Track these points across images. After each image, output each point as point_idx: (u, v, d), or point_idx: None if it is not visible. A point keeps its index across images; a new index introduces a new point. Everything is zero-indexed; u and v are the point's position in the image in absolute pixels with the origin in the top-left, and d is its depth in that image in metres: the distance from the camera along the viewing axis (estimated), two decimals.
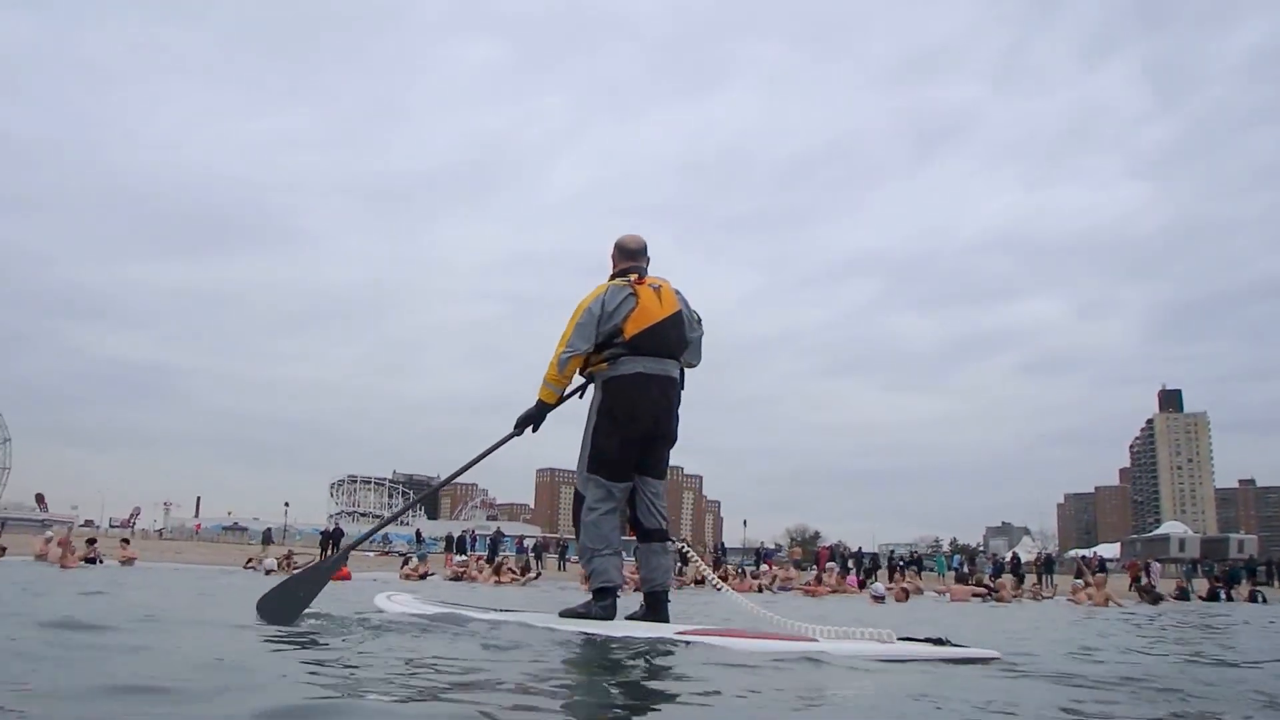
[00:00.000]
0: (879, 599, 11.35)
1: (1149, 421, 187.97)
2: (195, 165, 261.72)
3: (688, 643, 3.19)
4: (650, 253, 4.25)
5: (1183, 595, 19.67)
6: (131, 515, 62.87)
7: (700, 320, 4.23)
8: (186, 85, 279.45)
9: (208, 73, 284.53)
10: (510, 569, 18.02)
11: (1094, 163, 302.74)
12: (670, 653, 2.97)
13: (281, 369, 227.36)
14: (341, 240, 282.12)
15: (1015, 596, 16.50)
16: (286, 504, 51.74)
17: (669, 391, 3.97)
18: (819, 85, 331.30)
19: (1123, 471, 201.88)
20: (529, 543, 33.22)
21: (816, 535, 75.18)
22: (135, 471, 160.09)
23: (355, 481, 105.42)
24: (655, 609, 3.95)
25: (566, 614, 3.82)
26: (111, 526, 56.07)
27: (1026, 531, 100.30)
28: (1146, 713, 2.12)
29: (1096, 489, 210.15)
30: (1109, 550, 68.01)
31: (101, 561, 15.56)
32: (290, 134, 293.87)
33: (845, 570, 24.03)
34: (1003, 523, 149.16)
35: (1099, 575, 17.88)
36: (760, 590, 15.50)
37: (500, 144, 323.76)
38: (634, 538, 4.15)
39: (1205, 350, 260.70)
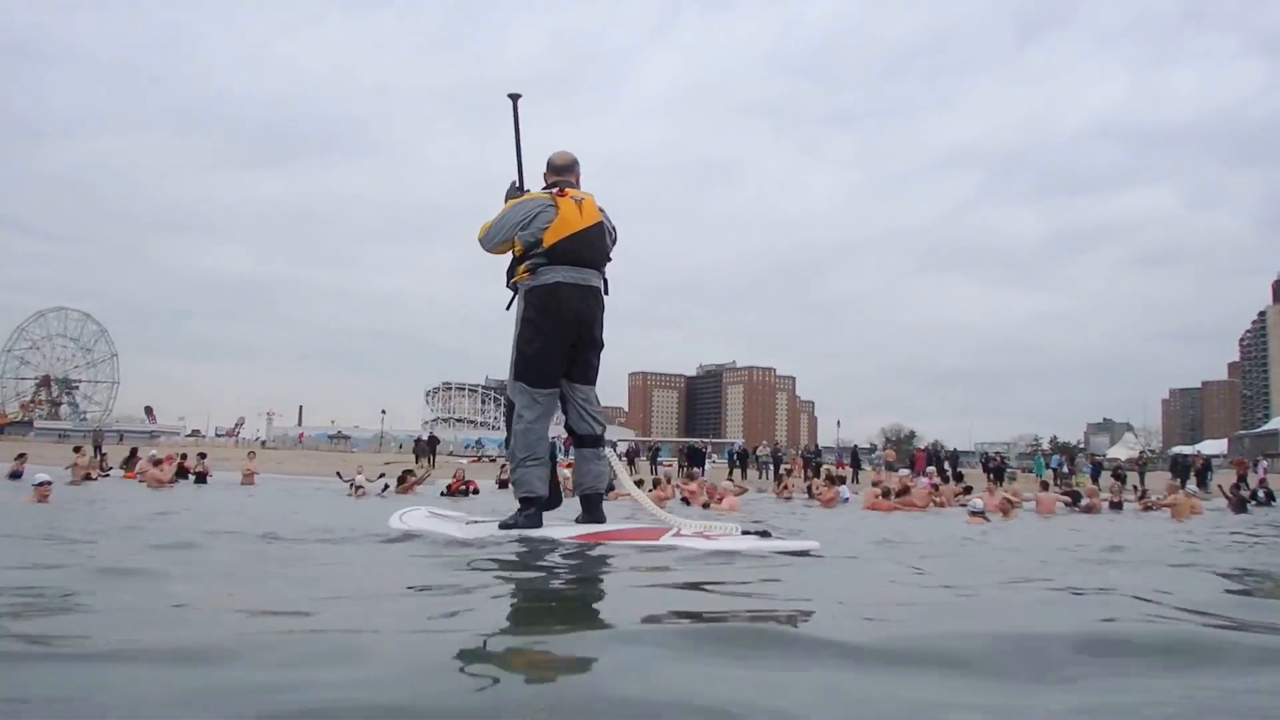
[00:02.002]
0: (979, 514, 10.20)
1: (1261, 313, 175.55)
2: (284, 76, 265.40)
3: (560, 545, 3.49)
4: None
5: (1241, 506, 13.95)
6: (236, 425, 66.19)
7: (615, 236, 4.26)
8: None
9: None
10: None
11: (1209, 43, 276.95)
12: (539, 554, 3.27)
13: (377, 279, 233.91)
14: (433, 148, 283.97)
15: (1116, 504, 13.81)
16: (383, 411, 53.04)
17: (589, 299, 4.05)
18: None
19: (1231, 366, 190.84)
20: (621, 448, 33.12)
21: (912, 435, 73.54)
22: (239, 382, 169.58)
23: (450, 388, 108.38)
24: (590, 511, 4.15)
25: (503, 525, 4.00)
26: (217, 436, 59.08)
27: (1129, 428, 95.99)
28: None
29: (1203, 384, 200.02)
30: (1215, 446, 64.71)
31: (209, 478, 15.18)
32: (378, 42, 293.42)
33: (944, 477, 22.71)
34: (1104, 419, 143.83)
35: (1171, 481, 15.83)
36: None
37: (588, 44, 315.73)
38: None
39: None
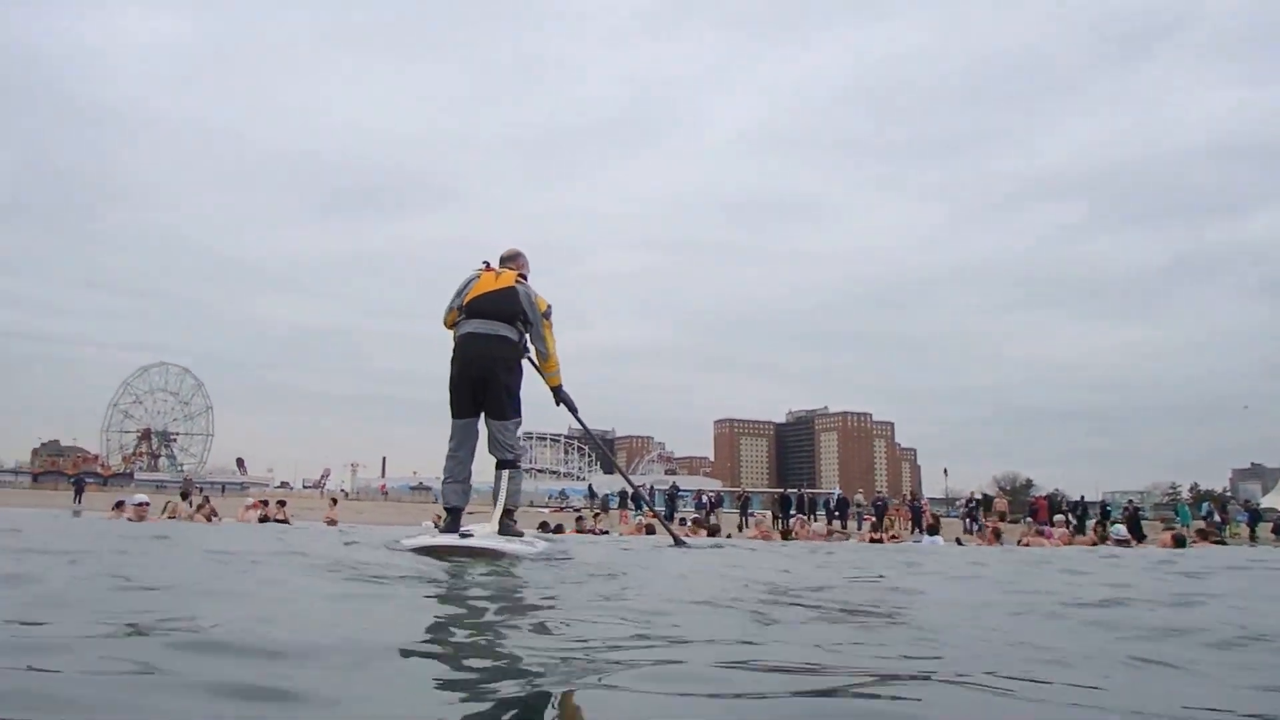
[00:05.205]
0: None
1: None
2: (353, 132, 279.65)
3: (408, 547, 4.51)
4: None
5: None
6: (322, 477, 68.76)
7: (545, 312, 5.20)
8: (340, 54, 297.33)
9: (357, 40, 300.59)
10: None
11: None
12: (388, 552, 4.43)
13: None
14: (503, 195, 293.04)
15: None
16: None
17: (493, 345, 5.02)
18: None
19: None
20: (707, 497, 32.83)
21: (1029, 483, 70.06)
22: (324, 434, 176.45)
23: (530, 438, 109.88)
24: (503, 521, 5.09)
25: (439, 529, 5.20)
26: (304, 487, 61.55)
27: None
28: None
29: None
30: None
31: (288, 522, 15.09)
32: (446, 94, 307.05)
33: (1080, 527, 21.64)
34: (1252, 464, 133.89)
35: None
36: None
37: (661, 86, 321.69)
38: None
39: None
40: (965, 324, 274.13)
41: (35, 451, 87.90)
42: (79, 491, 36.95)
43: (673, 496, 31.07)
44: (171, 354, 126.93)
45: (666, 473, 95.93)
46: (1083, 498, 32.46)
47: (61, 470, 71.05)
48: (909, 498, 31.63)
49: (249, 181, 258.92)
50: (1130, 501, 39.03)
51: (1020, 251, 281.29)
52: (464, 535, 4.70)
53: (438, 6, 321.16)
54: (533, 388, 5.41)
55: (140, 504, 10.71)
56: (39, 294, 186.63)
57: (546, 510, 32.12)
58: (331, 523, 16.41)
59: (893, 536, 14.99)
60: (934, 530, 15.25)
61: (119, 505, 15.27)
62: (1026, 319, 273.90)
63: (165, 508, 14.57)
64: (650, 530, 12.41)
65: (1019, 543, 13.67)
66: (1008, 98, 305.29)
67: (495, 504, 5.14)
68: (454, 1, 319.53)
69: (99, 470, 73.41)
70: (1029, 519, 23.53)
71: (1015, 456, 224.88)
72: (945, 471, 56.74)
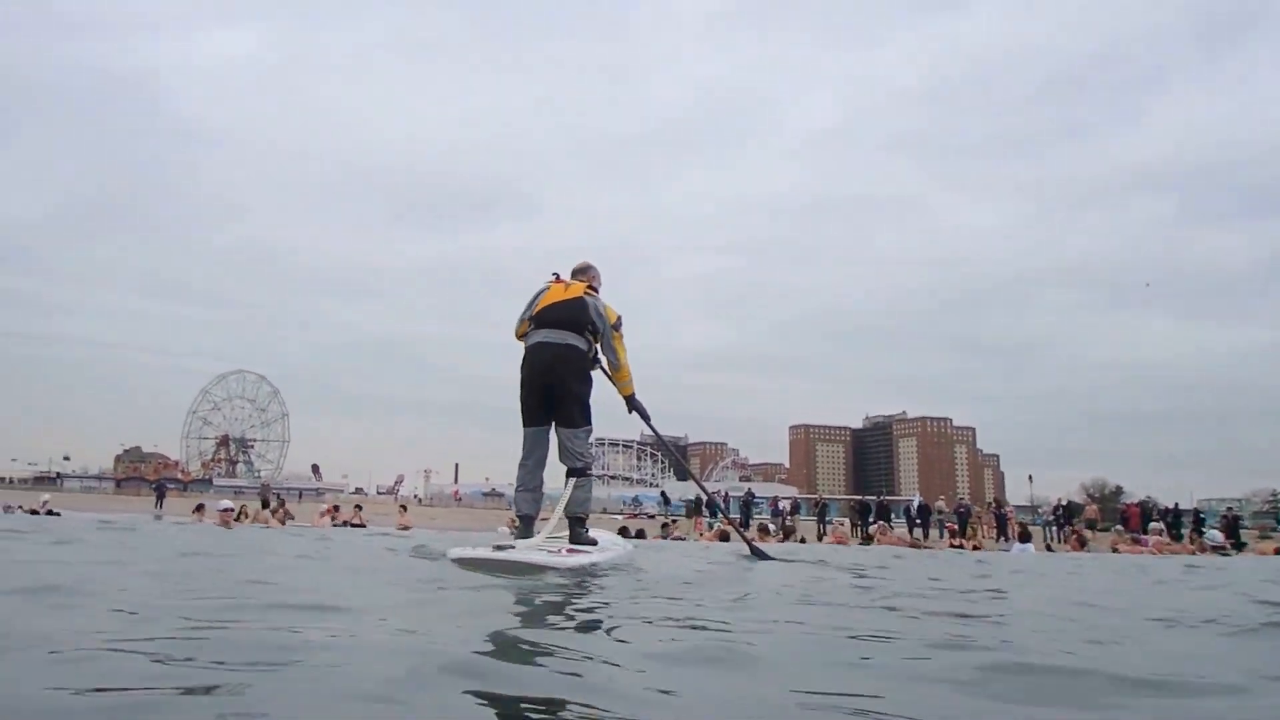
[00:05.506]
0: None
1: None
2: (423, 142, 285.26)
3: (460, 558, 4.54)
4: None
5: None
6: (395, 483, 70.35)
7: (615, 323, 5.29)
8: (411, 64, 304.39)
9: (429, 50, 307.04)
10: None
11: None
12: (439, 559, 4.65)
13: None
14: (575, 201, 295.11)
15: None
16: None
17: (560, 354, 5.08)
18: None
19: None
20: (784, 504, 32.38)
21: (1119, 490, 67.28)
22: (397, 440, 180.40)
23: (603, 444, 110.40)
24: (571, 530, 5.17)
25: (515, 537, 5.16)
26: (378, 494, 63.04)
27: None
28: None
29: None
30: None
31: (364, 526, 15.87)
32: (524, 104, 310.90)
33: (1176, 535, 20.67)
34: None
35: None
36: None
37: (733, 89, 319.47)
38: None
39: None
40: (1049, 325, 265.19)
41: (118, 458, 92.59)
42: (160, 497, 38.54)
43: (748, 504, 30.63)
44: (249, 362, 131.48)
45: (741, 479, 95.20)
46: (1176, 505, 30.83)
47: (143, 476, 74.41)
48: (993, 505, 30.56)
49: (322, 191, 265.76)
50: (1229, 509, 36.84)
51: (1108, 250, 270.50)
52: (499, 549, 4.63)
53: (509, 16, 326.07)
54: (604, 394, 5.42)
55: (225, 510, 11.64)
56: (121, 304, 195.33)
57: (620, 516, 32.18)
58: (405, 529, 16.93)
59: (975, 545, 14.54)
60: (1025, 538, 14.81)
61: (199, 509, 15.99)
62: (1114, 319, 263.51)
63: (240, 512, 15.25)
64: (725, 537, 12.35)
65: (1112, 550, 13.27)
66: (1091, 90, 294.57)
67: (555, 512, 5.14)
68: (526, 11, 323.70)
69: (179, 476, 76.65)
70: (1119, 527, 22.53)
71: (1103, 463, 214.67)
72: (1030, 478, 54.93)
